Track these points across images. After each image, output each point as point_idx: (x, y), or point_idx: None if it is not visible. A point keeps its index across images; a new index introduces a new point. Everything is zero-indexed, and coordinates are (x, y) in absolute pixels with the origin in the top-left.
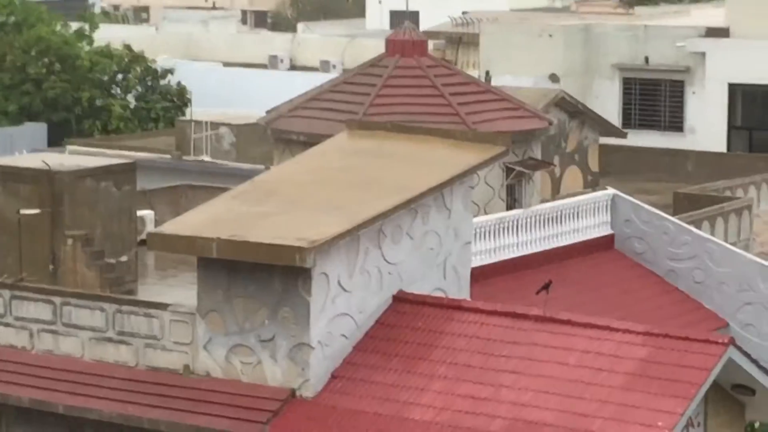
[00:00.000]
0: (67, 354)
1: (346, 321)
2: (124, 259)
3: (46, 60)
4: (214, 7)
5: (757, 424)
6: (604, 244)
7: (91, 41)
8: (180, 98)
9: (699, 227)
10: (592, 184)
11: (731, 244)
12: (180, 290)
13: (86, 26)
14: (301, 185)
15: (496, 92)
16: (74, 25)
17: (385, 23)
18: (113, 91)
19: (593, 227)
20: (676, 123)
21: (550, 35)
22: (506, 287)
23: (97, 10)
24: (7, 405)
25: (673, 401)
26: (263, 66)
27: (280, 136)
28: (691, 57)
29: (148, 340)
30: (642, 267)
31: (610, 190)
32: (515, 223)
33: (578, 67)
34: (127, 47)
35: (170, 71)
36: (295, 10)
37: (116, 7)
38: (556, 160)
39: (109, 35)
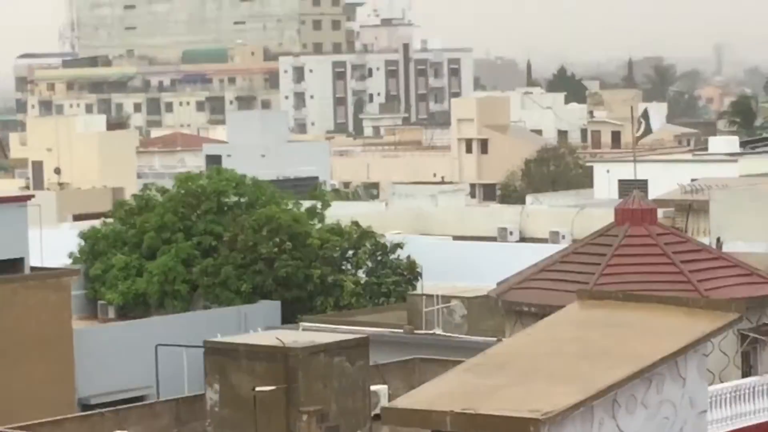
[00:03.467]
0: None
1: None
2: None
3: (277, 239)
4: (442, 182)
5: None
6: None
7: (322, 219)
8: (410, 272)
9: None
10: None
11: None
12: None
13: (318, 204)
14: (534, 357)
15: (728, 258)
16: (306, 204)
17: (614, 192)
18: (344, 267)
19: None
20: None
21: None
22: None
23: (327, 188)
24: None
25: None
26: (492, 238)
27: (511, 308)
28: None
29: None
30: None
31: None
32: (752, 390)
33: None
34: (355, 223)
35: (400, 245)
36: (524, 182)
37: (346, 185)
38: None
39: (338, 212)
